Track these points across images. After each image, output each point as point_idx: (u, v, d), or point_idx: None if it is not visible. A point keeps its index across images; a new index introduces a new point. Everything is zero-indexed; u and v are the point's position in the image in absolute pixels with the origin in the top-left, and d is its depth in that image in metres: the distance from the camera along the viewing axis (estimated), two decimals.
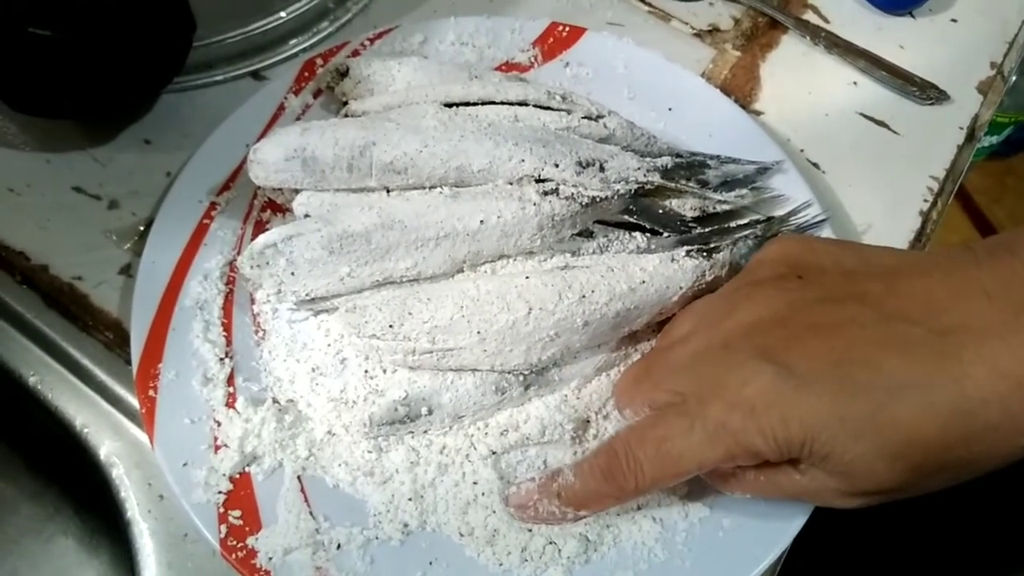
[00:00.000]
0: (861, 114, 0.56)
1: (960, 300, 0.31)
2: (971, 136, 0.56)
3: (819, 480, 0.33)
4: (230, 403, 0.41)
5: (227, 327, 0.43)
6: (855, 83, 0.57)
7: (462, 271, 0.43)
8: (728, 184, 0.48)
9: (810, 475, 0.33)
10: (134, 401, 0.42)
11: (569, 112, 0.46)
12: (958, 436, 0.29)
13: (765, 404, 0.31)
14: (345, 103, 0.48)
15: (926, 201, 0.52)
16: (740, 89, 0.56)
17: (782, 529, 0.38)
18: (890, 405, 0.30)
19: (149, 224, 0.45)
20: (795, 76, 0.57)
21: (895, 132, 0.55)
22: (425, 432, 0.41)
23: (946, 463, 0.30)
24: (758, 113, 0.55)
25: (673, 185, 0.46)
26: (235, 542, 0.37)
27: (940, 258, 0.34)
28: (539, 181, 0.43)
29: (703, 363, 0.35)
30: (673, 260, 0.42)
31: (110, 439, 0.43)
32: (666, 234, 0.46)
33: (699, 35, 0.59)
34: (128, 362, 0.42)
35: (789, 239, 0.39)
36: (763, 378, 0.32)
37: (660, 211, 0.46)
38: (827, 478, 0.32)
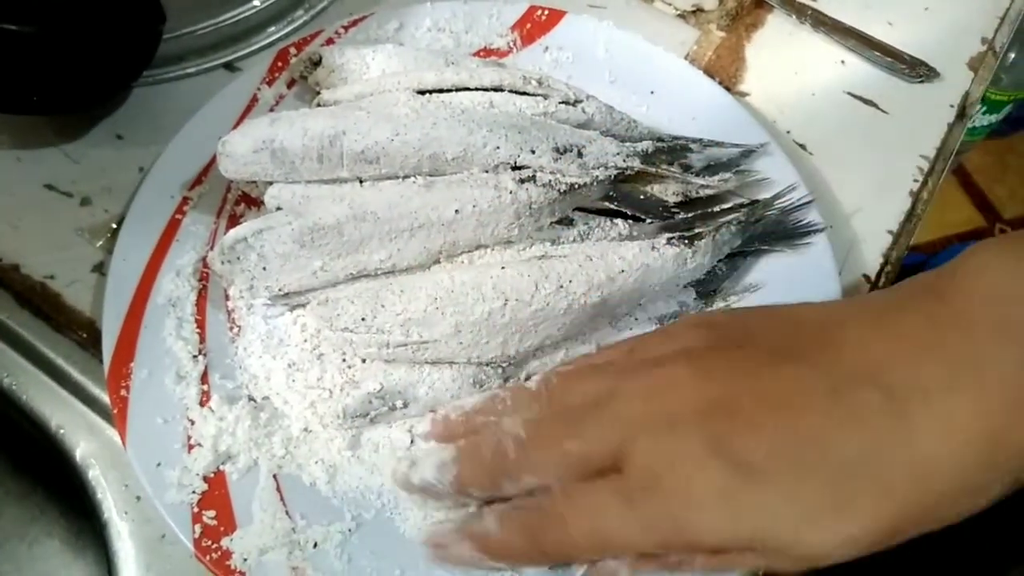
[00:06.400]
0: (849, 93, 0.55)
1: (898, 354, 0.29)
2: (962, 114, 0.55)
3: (774, 559, 0.31)
4: (204, 401, 0.40)
5: (201, 324, 0.42)
6: (842, 62, 0.56)
7: (439, 262, 0.42)
8: (712, 168, 0.47)
9: (765, 557, 0.31)
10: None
11: (546, 97, 0.45)
12: (914, 512, 0.28)
13: (714, 500, 0.29)
14: (319, 93, 0.47)
15: (916, 181, 0.51)
16: (725, 70, 0.55)
17: None
18: (846, 488, 0.28)
19: (122, 221, 0.44)
20: (781, 56, 0.56)
21: (884, 111, 0.54)
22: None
23: (904, 534, 0.29)
24: (743, 95, 0.54)
25: (654, 170, 0.45)
26: (210, 543, 0.36)
27: (855, 307, 0.32)
28: (515, 168, 0.42)
29: (647, 437, 0.31)
30: (653, 248, 0.41)
31: (86, 440, 0.42)
32: (648, 220, 0.45)
33: (682, 16, 0.58)
34: (103, 361, 0.41)
35: (693, 317, 0.37)
36: (712, 472, 0.29)
37: (641, 197, 0.45)
38: (783, 560, 0.31)
